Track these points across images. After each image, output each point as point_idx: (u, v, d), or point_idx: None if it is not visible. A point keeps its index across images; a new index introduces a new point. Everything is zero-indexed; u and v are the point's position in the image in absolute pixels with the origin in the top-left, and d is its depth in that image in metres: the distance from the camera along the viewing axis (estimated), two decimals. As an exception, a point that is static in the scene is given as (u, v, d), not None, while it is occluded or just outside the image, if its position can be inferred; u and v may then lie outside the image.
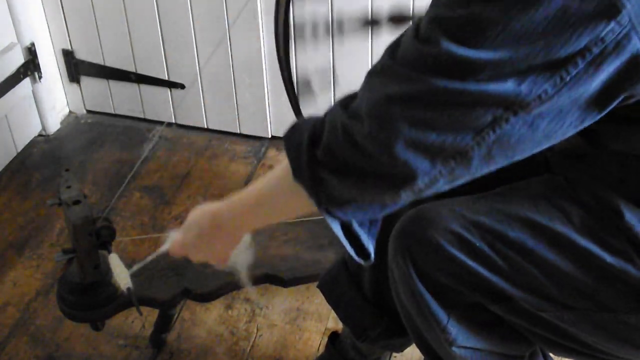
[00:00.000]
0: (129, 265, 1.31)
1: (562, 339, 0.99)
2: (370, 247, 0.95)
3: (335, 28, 1.90)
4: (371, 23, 1.60)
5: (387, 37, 1.88)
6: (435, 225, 0.95)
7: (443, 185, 0.79)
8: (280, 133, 2.25)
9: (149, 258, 1.25)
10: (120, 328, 1.67)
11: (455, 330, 1.03)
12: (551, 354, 1.21)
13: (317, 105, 1.96)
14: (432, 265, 0.98)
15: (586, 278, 0.90)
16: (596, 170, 0.91)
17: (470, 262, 0.95)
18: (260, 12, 2.05)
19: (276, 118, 2.25)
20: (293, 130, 0.89)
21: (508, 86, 0.71)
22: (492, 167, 0.78)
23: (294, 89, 1.64)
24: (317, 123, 0.86)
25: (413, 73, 0.74)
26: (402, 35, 0.80)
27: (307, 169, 0.84)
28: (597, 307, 0.91)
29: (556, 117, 0.74)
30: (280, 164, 0.93)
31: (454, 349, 1.05)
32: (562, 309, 0.93)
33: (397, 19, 1.52)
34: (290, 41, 1.55)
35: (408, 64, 0.75)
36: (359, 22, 1.65)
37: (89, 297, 1.37)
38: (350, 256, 0.95)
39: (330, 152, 0.82)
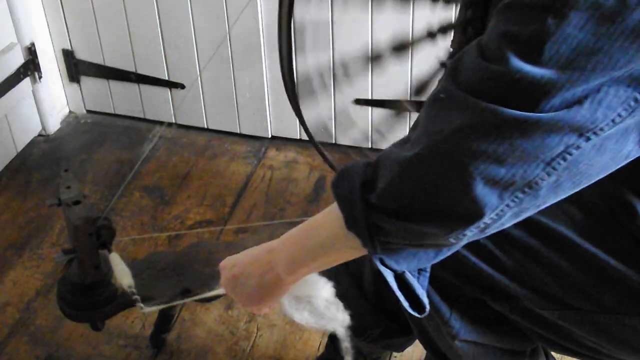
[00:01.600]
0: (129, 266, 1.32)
1: (562, 339, 0.99)
2: (425, 298, 0.90)
3: None
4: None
5: (390, 13, 1.88)
6: None
7: (508, 219, 0.75)
8: (280, 133, 2.28)
9: (207, 294, 1.22)
10: (120, 328, 1.67)
11: (458, 324, 1.03)
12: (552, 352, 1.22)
13: (317, 104, 1.97)
14: None
15: (589, 280, 0.90)
16: None
17: (473, 259, 0.95)
18: (261, 12, 2.05)
19: (276, 118, 2.25)
20: (341, 177, 0.82)
21: (583, 112, 0.68)
22: (560, 196, 0.75)
23: (294, 90, 1.64)
24: (369, 166, 0.80)
25: (481, 103, 0.70)
26: (462, 55, 0.75)
27: (362, 218, 0.79)
28: (599, 308, 0.91)
29: (622, 137, 0.71)
30: (329, 209, 0.86)
31: (456, 342, 1.05)
32: (564, 309, 0.93)
33: None
34: (292, 42, 1.55)
35: (474, 90, 0.71)
36: None
37: (89, 297, 1.37)
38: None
39: (388, 196, 0.76)
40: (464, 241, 0.78)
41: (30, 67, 2.24)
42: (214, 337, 1.66)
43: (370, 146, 2.20)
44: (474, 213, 0.72)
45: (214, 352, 1.62)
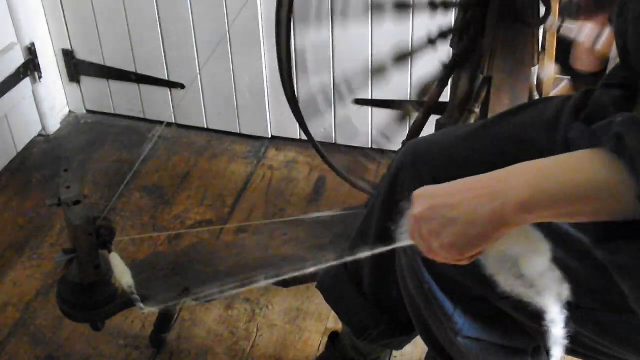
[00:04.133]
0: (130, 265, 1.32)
1: (565, 339, 0.99)
2: None
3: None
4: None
5: (389, 25, 1.88)
6: None
7: None
8: (281, 133, 2.28)
9: (387, 248, 0.94)
10: (120, 328, 1.67)
11: (461, 320, 1.03)
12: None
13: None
14: None
15: (593, 277, 0.90)
16: None
17: (480, 257, 0.95)
18: (260, 12, 2.05)
19: (276, 118, 2.25)
20: (635, 127, 0.66)
21: None
22: None
23: (293, 91, 1.63)
24: None
25: None
26: None
27: None
28: (604, 307, 0.91)
29: None
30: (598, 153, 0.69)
31: (459, 339, 1.05)
32: (569, 307, 0.93)
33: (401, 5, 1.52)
34: (291, 43, 1.55)
35: None
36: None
37: (89, 297, 1.37)
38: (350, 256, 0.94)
39: None
40: None
41: (30, 67, 2.24)
42: (214, 337, 1.65)
43: (370, 146, 2.20)
44: None
45: (214, 352, 1.62)
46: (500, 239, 0.75)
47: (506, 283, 0.82)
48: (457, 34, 1.47)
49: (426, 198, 0.79)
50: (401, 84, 2.05)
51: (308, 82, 2.01)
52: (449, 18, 1.54)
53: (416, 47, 1.50)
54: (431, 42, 1.47)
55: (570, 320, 0.95)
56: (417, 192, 0.81)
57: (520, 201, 0.71)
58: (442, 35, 1.47)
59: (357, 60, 1.98)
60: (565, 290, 0.82)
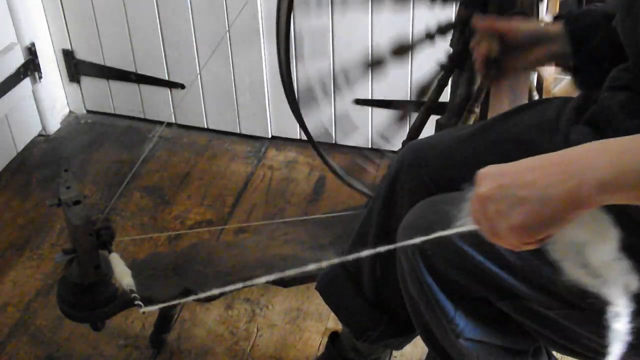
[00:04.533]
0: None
1: (565, 339, 0.99)
2: None
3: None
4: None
5: (389, 17, 1.89)
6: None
7: None
8: (280, 133, 2.28)
9: (451, 231, 0.85)
10: (120, 328, 1.67)
11: (462, 322, 1.03)
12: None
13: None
14: (441, 258, 0.98)
15: None
16: None
17: (480, 258, 0.94)
18: (261, 12, 2.05)
19: (276, 118, 2.25)
20: None
21: None
22: None
23: (293, 92, 1.63)
24: None
25: None
26: None
27: None
28: (604, 308, 0.91)
29: None
30: None
31: (460, 341, 1.05)
32: (570, 308, 0.93)
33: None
34: (290, 45, 1.55)
35: None
36: None
37: (89, 297, 1.37)
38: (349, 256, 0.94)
39: None
40: None
41: (30, 67, 2.24)
42: (214, 337, 1.66)
43: (370, 146, 2.20)
44: None
45: (214, 352, 1.62)
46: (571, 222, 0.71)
47: (571, 271, 0.76)
48: (456, 31, 1.46)
49: (494, 177, 0.74)
50: (401, 84, 2.05)
51: (305, 69, 1.99)
52: (448, 14, 1.53)
53: (415, 41, 1.49)
54: (430, 37, 1.46)
55: (572, 322, 0.95)
56: (483, 171, 0.76)
57: (601, 181, 0.68)
58: (441, 31, 1.46)
59: (356, 50, 1.96)
60: (633, 282, 0.76)
